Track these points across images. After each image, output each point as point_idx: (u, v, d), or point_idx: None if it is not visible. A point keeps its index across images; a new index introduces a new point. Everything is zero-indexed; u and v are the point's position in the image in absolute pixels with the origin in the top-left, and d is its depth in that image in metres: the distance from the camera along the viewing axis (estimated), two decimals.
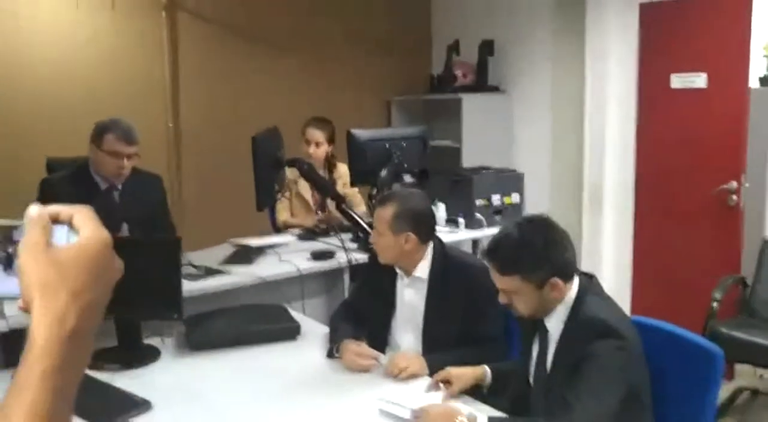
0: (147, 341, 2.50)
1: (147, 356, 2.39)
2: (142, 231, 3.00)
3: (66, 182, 2.98)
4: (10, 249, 0.70)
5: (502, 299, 1.98)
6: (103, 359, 2.32)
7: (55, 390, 0.61)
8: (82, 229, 0.67)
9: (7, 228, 0.70)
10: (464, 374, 2.12)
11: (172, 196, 4.39)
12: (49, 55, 4.17)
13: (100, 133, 2.93)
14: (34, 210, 0.67)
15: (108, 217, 2.70)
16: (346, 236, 3.35)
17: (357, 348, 2.28)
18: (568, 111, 4.76)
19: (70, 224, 0.68)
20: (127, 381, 2.18)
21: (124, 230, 2.98)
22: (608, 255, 4.54)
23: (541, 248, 1.88)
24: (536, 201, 4.68)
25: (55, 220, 0.68)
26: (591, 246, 4.57)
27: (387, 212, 2.40)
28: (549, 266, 1.88)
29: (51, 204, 2.44)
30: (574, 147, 4.70)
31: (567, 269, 1.93)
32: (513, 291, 1.93)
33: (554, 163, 4.92)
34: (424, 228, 2.44)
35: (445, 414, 1.84)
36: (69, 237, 0.67)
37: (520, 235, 1.91)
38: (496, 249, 1.96)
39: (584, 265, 4.49)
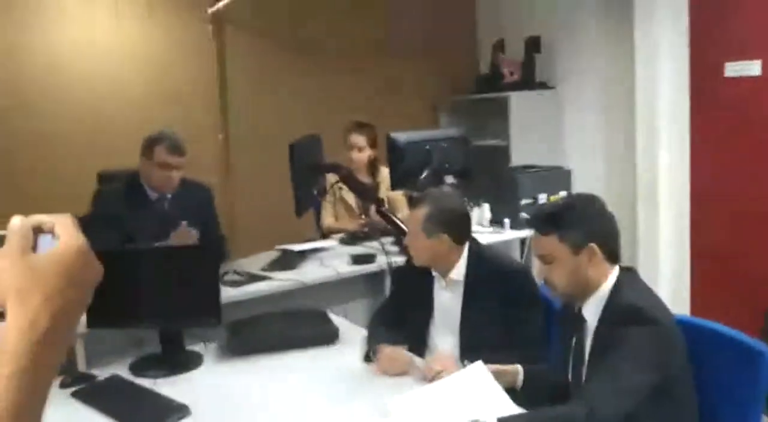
0: (190, 347, 2.56)
1: (189, 362, 2.44)
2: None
3: (118, 193, 3.08)
4: None
5: (539, 273, 1.99)
6: (147, 365, 2.39)
7: (24, 390, 0.62)
8: (60, 236, 0.70)
9: None
10: (496, 370, 2.10)
11: (223, 205, 4.50)
12: (97, 71, 4.32)
13: (149, 145, 3.02)
14: (16, 220, 0.70)
15: (158, 227, 2.78)
16: (387, 240, 3.35)
17: (391, 353, 2.27)
18: (619, 105, 4.64)
19: (52, 233, 0.71)
20: (169, 387, 2.23)
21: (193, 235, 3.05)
22: (665, 254, 4.38)
23: (580, 210, 1.93)
24: None
25: (40, 230, 0.71)
26: (647, 244, 4.42)
27: (419, 214, 2.39)
28: (587, 227, 1.89)
29: (105, 214, 2.52)
30: (626, 142, 4.56)
31: (606, 242, 1.91)
32: (550, 257, 1.92)
33: (606, 159, 4.80)
34: (459, 229, 2.42)
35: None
36: (53, 245, 0.70)
37: (563, 201, 2.05)
38: (539, 212, 2.04)
39: (641, 264, 4.37)
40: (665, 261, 4.37)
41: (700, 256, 4.32)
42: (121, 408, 2.06)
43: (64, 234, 0.70)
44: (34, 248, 0.69)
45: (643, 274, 4.38)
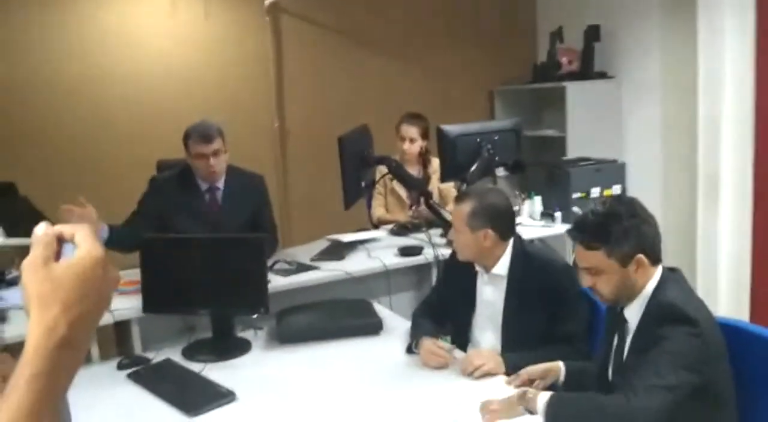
0: (240, 334, 2.65)
1: (238, 348, 2.53)
2: (244, 229, 3.12)
3: (171, 182, 3.17)
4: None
5: (585, 282, 1.96)
6: (198, 351, 2.49)
7: (41, 393, 0.66)
8: (79, 247, 0.74)
9: (21, 247, 0.78)
10: (541, 369, 2.11)
11: (278, 195, 4.60)
12: (156, 64, 4.47)
13: (185, 140, 3.09)
14: (41, 229, 0.75)
15: (210, 217, 2.89)
16: (435, 232, 3.37)
17: (432, 347, 2.30)
18: (680, 96, 4.51)
19: (72, 242, 0.75)
20: (217, 372, 2.32)
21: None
22: (725, 250, 4.24)
23: (626, 220, 1.87)
24: (647, 193, 4.46)
25: (62, 238, 0.75)
26: (706, 241, 4.29)
27: (464, 209, 2.40)
28: (635, 240, 1.86)
29: (158, 200, 2.64)
30: (687, 134, 4.43)
31: (653, 249, 1.89)
32: (596, 270, 1.90)
33: (666, 152, 4.68)
34: (503, 224, 2.42)
35: (508, 404, 1.86)
36: (73, 254, 0.74)
37: (606, 210, 1.90)
38: (582, 224, 1.96)
39: (699, 266, 4.26)
40: (725, 264, 4.23)
41: (762, 259, 4.16)
42: (172, 390, 2.16)
43: (83, 245, 0.74)
44: (58, 256, 0.74)
45: (702, 276, 4.29)
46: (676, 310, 1.78)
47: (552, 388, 2.10)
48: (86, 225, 0.77)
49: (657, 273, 1.91)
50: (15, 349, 1.24)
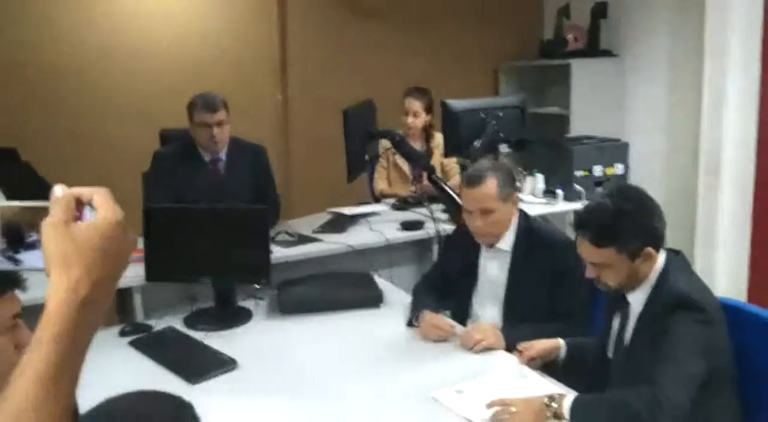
0: (242, 303, 2.66)
1: (240, 317, 2.54)
2: (247, 200, 3.12)
3: (175, 154, 3.18)
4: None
5: (590, 272, 1.92)
6: (199, 319, 2.51)
7: (62, 353, 0.68)
8: (99, 209, 0.74)
9: (38, 208, 0.78)
10: (538, 343, 2.12)
11: (280, 166, 4.59)
12: (158, 31, 4.44)
13: (189, 109, 3.12)
14: (59, 190, 0.75)
15: (212, 188, 2.89)
16: (437, 207, 3.37)
17: (433, 320, 2.32)
18: (685, 76, 4.48)
19: (90, 204, 0.75)
20: (219, 340, 2.34)
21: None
22: (724, 236, 4.24)
23: (636, 217, 1.83)
24: (648, 171, 4.48)
25: (80, 201, 0.75)
26: (705, 226, 4.29)
27: (490, 187, 2.36)
28: (644, 235, 1.83)
29: (162, 173, 2.65)
30: (691, 114, 4.41)
31: (660, 240, 1.88)
32: (605, 264, 1.87)
33: (668, 133, 4.66)
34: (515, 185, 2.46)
35: (530, 404, 1.76)
36: (91, 216, 0.75)
37: (613, 205, 1.84)
38: (589, 220, 1.89)
39: (698, 246, 4.27)
40: (723, 244, 4.23)
41: (761, 241, 4.17)
42: (174, 358, 2.18)
43: (103, 207, 0.74)
44: (77, 218, 0.74)
45: (700, 256, 4.30)
46: (685, 298, 1.77)
47: (553, 365, 2.13)
48: (104, 188, 0.76)
49: (661, 257, 1.90)
50: (29, 313, 1.25)
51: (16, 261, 0.80)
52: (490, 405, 1.76)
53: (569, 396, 1.77)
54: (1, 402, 0.66)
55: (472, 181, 2.39)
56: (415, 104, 3.89)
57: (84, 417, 0.97)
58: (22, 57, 4.10)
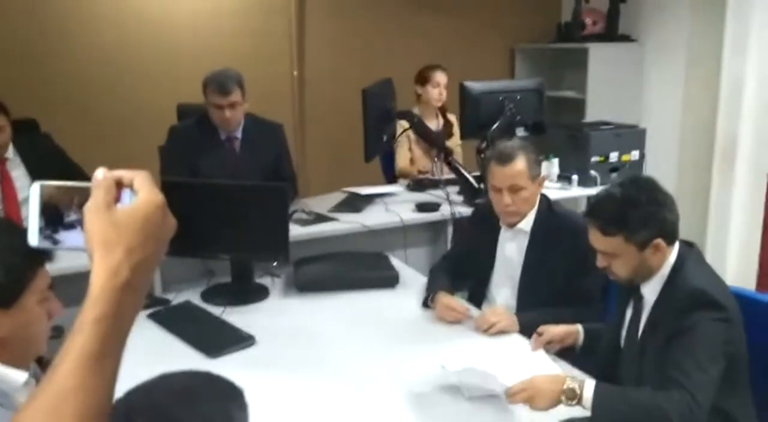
0: (259, 280, 2.69)
1: (257, 294, 2.57)
2: (262, 178, 3.12)
3: (191, 130, 3.17)
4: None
5: (600, 262, 1.93)
6: (217, 294, 2.53)
7: (105, 334, 0.69)
8: (140, 192, 0.75)
9: (78, 188, 0.78)
10: (556, 328, 2.13)
11: (295, 144, 4.59)
12: (176, 6, 4.44)
13: (203, 87, 3.06)
14: (100, 173, 0.75)
15: (228, 164, 2.88)
16: (453, 189, 3.38)
17: (448, 301, 2.34)
18: (704, 62, 4.45)
19: (131, 187, 0.76)
20: (236, 316, 2.37)
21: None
22: (737, 224, 4.24)
23: (645, 207, 1.82)
24: (663, 158, 4.46)
25: (120, 184, 0.76)
26: (719, 213, 4.29)
27: (519, 165, 2.37)
28: (653, 226, 1.82)
29: (180, 147, 2.65)
30: (708, 100, 4.39)
31: (671, 232, 1.86)
32: (613, 254, 1.87)
33: (685, 118, 4.64)
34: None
35: (552, 380, 1.76)
36: (131, 199, 0.75)
37: (623, 194, 1.84)
38: (599, 208, 1.89)
39: (710, 233, 4.27)
40: (735, 231, 4.24)
41: None
42: (191, 332, 2.21)
43: (143, 190, 0.75)
44: (117, 201, 0.74)
45: (712, 244, 4.30)
46: (703, 295, 1.76)
47: (570, 351, 2.14)
48: (144, 171, 0.77)
49: (674, 249, 1.89)
50: (59, 282, 1.26)
51: (55, 241, 0.80)
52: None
53: (590, 382, 1.75)
54: (47, 383, 0.67)
55: (503, 158, 2.39)
56: (444, 78, 3.91)
57: (139, 388, 0.99)
58: (39, 31, 4.10)
